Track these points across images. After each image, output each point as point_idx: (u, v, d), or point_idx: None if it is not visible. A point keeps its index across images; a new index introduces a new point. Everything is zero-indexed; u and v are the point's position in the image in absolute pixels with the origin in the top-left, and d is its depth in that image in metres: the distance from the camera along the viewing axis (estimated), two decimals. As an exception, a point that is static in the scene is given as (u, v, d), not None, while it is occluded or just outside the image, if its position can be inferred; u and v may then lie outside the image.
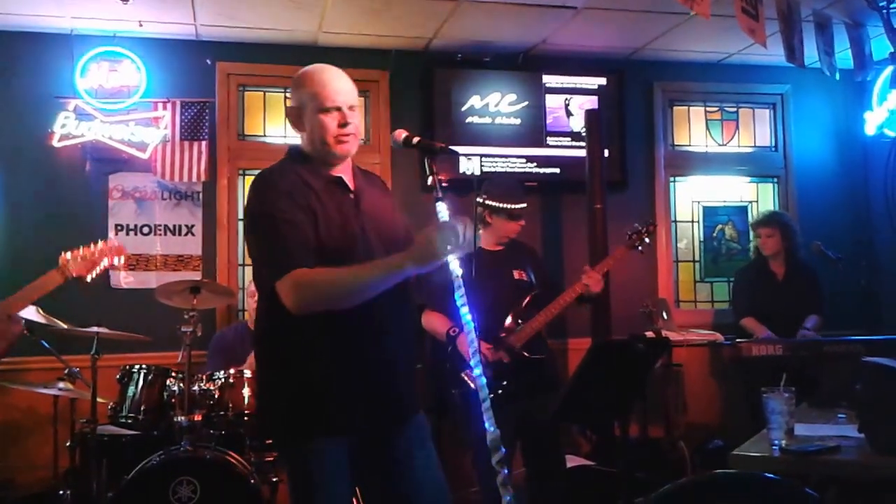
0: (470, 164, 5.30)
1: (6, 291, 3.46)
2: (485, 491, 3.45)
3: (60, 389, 3.83)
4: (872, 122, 5.75)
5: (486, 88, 5.37)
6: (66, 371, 3.91)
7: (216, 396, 3.82)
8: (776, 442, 2.47)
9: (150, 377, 3.92)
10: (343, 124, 2.32)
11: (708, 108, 6.01)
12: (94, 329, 3.87)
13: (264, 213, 2.25)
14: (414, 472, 2.34)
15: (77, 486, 3.92)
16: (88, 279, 3.47)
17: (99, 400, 3.82)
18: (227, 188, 5.11)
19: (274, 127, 5.31)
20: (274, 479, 3.88)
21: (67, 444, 3.95)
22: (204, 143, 4.94)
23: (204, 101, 4.99)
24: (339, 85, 2.36)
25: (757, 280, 5.05)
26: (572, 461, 4.41)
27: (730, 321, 5.30)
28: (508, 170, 5.33)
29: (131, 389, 3.90)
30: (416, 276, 2.22)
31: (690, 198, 5.96)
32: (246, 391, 3.83)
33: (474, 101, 5.34)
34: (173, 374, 3.93)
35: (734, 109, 6.05)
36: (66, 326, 3.92)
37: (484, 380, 2.07)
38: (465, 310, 2.10)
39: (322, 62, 2.49)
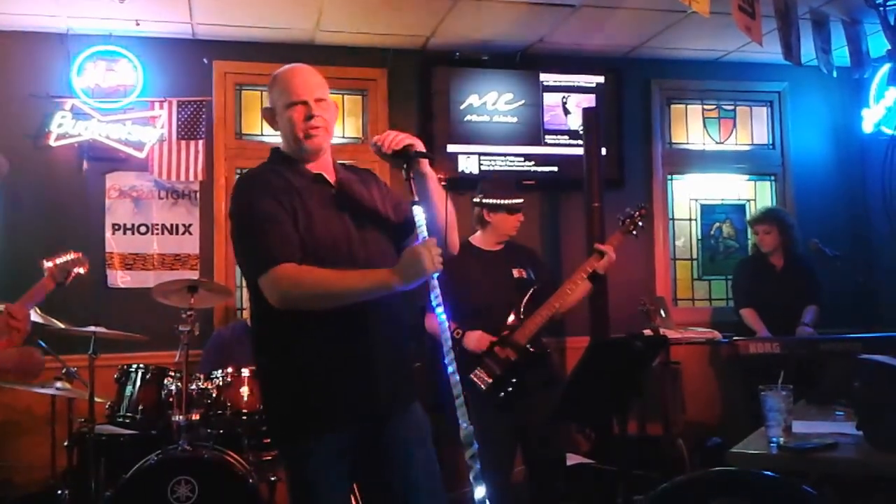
0: (468, 163, 5.30)
1: (3, 290, 3.46)
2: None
3: (58, 389, 3.81)
4: (870, 119, 5.76)
5: (484, 87, 5.37)
6: (63, 371, 3.90)
7: (214, 395, 3.81)
8: (774, 439, 2.47)
9: (147, 376, 3.92)
10: (308, 116, 2.32)
11: (705, 106, 6.01)
12: (92, 328, 3.87)
13: (244, 212, 2.27)
14: (411, 472, 2.33)
15: (75, 486, 3.91)
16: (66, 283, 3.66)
17: (97, 399, 3.82)
18: (225, 187, 5.09)
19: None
20: (272, 478, 3.87)
21: (65, 443, 3.96)
22: (201, 142, 4.93)
23: (201, 101, 4.98)
24: (303, 79, 2.37)
25: (756, 271, 5.10)
26: (571, 459, 4.41)
27: (728, 319, 5.32)
28: (506, 168, 5.34)
29: (129, 389, 3.91)
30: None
31: (688, 196, 5.96)
32: (244, 390, 3.83)
33: (472, 100, 5.34)
34: (171, 373, 3.92)
35: (732, 107, 6.05)
36: (63, 326, 3.92)
37: (457, 377, 2.08)
38: (440, 310, 2.12)
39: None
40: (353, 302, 2.19)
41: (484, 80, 5.38)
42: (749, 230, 5.43)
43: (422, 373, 2.85)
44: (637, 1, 4.67)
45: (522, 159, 5.40)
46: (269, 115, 2.42)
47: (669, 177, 5.88)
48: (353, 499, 2.73)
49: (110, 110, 4.84)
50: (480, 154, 5.33)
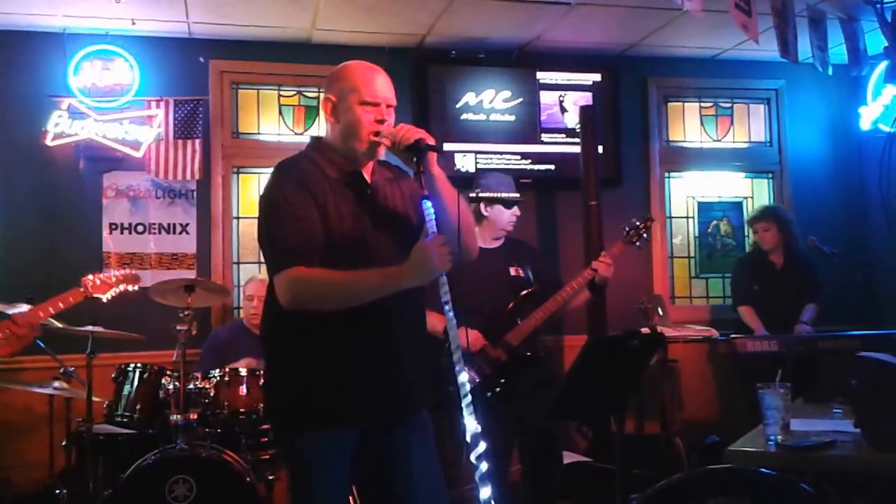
0: (465, 161, 5.30)
1: (1, 290, 3.45)
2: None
3: (56, 389, 3.82)
4: (867, 117, 5.76)
5: (481, 85, 5.36)
6: (61, 370, 3.90)
7: (212, 395, 3.82)
8: (772, 437, 2.47)
9: (145, 376, 3.92)
10: (380, 120, 2.31)
11: (702, 104, 6.00)
12: (89, 328, 3.87)
13: (274, 201, 2.26)
14: (411, 473, 2.33)
15: (73, 486, 3.91)
16: (104, 299, 3.64)
17: (94, 399, 3.83)
18: (222, 186, 5.10)
19: (268, 124, 5.30)
20: (270, 477, 3.87)
21: (63, 443, 3.96)
22: (198, 141, 4.92)
23: (197, 99, 4.97)
24: (384, 81, 2.38)
25: (756, 269, 5.09)
26: (569, 457, 4.41)
27: (725, 317, 5.32)
28: (503, 167, 5.32)
29: (127, 388, 3.91)
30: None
31: (685, 193, 5.96)
32: (242, 389, 3.83)
33: (469, 98, 5.33)
34: (168, 372, 3.92)
35: (729, 105, 6.05)
36: (61, 326, 3.91)
37: (465, 376, 2.07)
38: (447, 307, 2.11)
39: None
40: (364, 301, 2.18)
41: (480, 78, 5.38)
42: (747, 228, 5.42)
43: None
44: (633, -2, 4.68)
45: (519, 157, 5.40)
46: (331, 106, 2.37)
47: (667, 174, 5.88)
48: (351, 500, 2.72)
49: (107, 109, 4.83)
50: (477, 152, 5.32)
